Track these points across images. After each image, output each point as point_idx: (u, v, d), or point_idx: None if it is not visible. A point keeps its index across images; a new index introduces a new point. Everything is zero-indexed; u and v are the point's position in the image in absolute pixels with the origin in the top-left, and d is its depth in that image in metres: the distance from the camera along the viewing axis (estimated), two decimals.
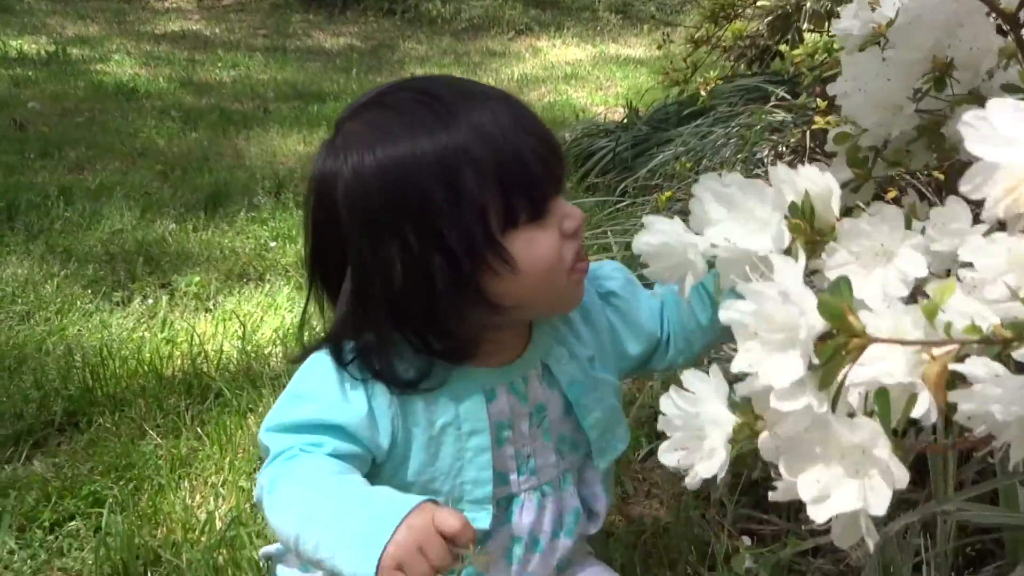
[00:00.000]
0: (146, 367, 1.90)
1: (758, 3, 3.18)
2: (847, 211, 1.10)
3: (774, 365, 0.61)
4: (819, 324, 0.60)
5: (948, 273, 0.76)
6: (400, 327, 0.96)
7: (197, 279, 2.39)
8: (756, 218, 0.76)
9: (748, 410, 0.76)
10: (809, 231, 0.80)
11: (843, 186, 1.12)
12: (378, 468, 0.99)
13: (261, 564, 1.31)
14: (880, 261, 0.76)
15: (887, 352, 0.63)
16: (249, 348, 2.00)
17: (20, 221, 2.74)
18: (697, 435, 0.73)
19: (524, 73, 5.64)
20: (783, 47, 3.12)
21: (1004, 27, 0.98)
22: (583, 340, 1.08)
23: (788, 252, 0.75)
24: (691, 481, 0.74)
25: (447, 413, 0.99)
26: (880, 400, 0.62)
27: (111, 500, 1.49)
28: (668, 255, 0.82)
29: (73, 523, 1.47)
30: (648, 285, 1.15)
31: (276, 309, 2.24)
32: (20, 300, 2.23)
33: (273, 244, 2.67)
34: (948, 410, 0.64)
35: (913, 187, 1.23)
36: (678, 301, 1.14)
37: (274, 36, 6.65)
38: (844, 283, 0.63)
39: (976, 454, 0.66)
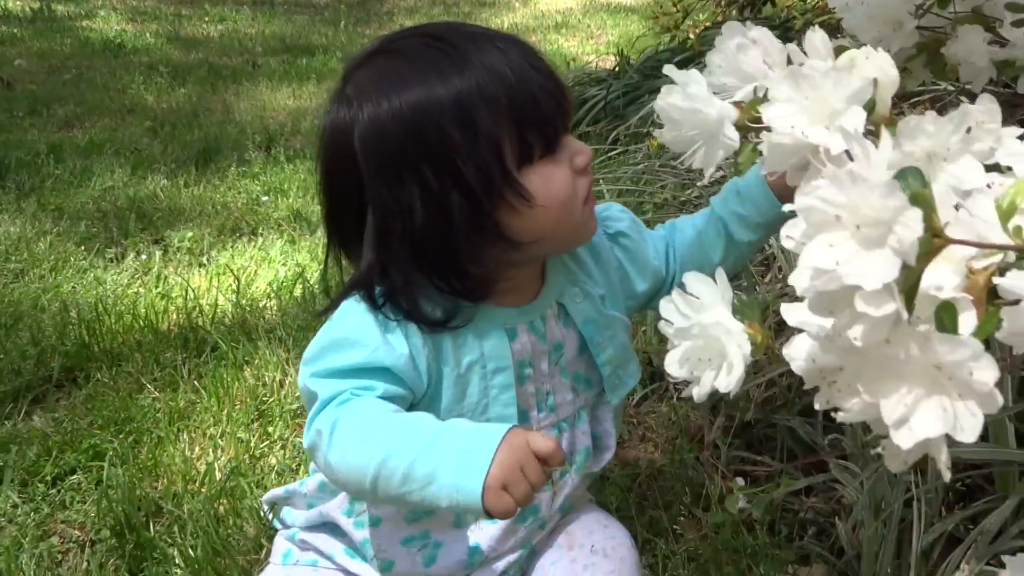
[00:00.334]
0: (142, 322, 1.90)
1: None
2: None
3: (864, 264, 0.54)
4: (920, 224, 0.52)
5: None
6: (423, 268, 0.97)
7: (190, 234, 2.39)
8: (827, 106, 0.69)
9: (757, 319, 0.73)
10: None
11: None
12: (412, 408, 1.00)
13: (263, 512, 1.32)
14: (936, 168, 0.66)
15: (937, 264, 0.56)
16: (244, 302, 2.00)
17: (11, 180, 2.73)
18: (714, 347, 0.69)
19: (514, 23, 5.59)
20: None
21: None
22: (594, 279, 1.10)
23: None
24: (700, 393, 0.70)
25: (472, 352, 1.01)
26: (947, 315, 0.56)
27: (111, 453, 1.50)
28: (696, 123, 0.76)
29: (74, 476, 1.48)
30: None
31: (269, 263, 2.24)
32: (14, 258, 2.23)
33: (265, 198, 2.66)
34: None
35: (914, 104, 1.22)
36: (686, 240, 1.16)
37: None
38: (916, 172, 0.56)
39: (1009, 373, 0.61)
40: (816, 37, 0.72)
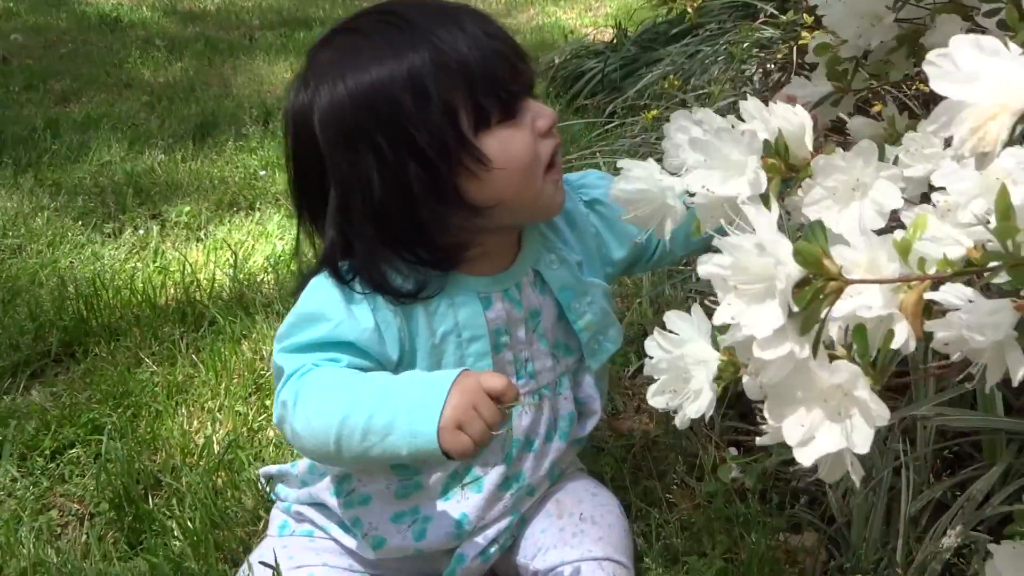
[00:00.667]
0: (139, 297, 1.91)
1: None
2: (831, 128, 1.10)
3: (755, 315, 0.62)
4: (796, 272, 0.61)
5: (923, 198, 0.77)
6: (387, 241, 0.99)
7: (187, 209, 2.39)
8: (732, 162, 0.77)
9: (731, 347, 0.78)
10: (784, 168, 0.81)
11: (822, 101, 1.12)
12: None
13: (260, 484, 1.34)
14: (856, 195, 0.78)
15: (865, 286, 0.65)
16: (241, 276, 2.01)
17: (8, 155, 2.73)
18: (683, 377, 0.75)
19: None
20: None
21: None
22: (571, 246, 1.12)
23: (765, 195, 0.76)
24: (680, 422, 0.76)
25: (447, 321, 1.03)
26: (858, 336, 0.63)
27: (110, 427, 1.51)
28: (646, 201, 0.84)
29: (73, 450, 1.49)
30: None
31: (267, 237, 2.24)
32: (11, 234, 2.23)
33: (263, 173, 2.66)
34: (925, 338, 0.66)
35: (896, 99, 1.24)
36: None
37: None
38: (818, 227, 0.64)
39: (955, 380, 0.68)
40: (750, 104, 0.81)
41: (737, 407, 1.48)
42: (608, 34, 3.87)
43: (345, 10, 5.14)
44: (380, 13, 1.02)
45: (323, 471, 1.15)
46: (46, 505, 1.38)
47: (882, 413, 0.61)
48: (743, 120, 0.82)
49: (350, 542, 1.13)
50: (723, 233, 0.65)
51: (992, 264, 0.61)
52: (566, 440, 1.14)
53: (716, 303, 0.64)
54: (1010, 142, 0.59)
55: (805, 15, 2.12)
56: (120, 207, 2.41)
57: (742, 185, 0.76)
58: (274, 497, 1.25)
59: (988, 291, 0.65)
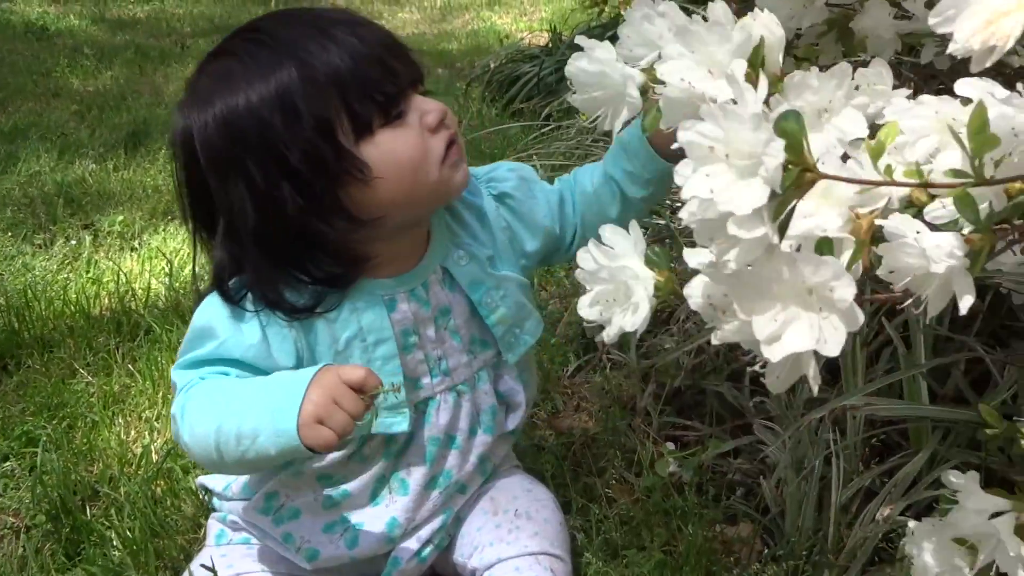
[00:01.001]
0: (73, 308, 1.89)
1: None
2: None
3: (736, 191, 0.59)
4: (782, 154, 0.57)
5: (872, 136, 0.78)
6: (276, 262, 1.00)
7: (120, 218, 2.37)
8: (715, 61, 0.73)
9: (665, 267, 0.78)
10: (755, 79, 0.79)
11: None
12: None
13: (199, 493, 1.34)
14: (822, 119, 0.73)
15: (819, 207, 0.64)
16: (177, 284, 1.99)
17: None
18: (620, 289, 0.75)
19: (446, 1, 5.58)
20: None
21: None
22: (480, 241, 1.12)
23: None
24: (611, 334, 0.75)
25: (350, 328, 1.04)
26: (825, 245, 0.62)
27: (45, 439, 1.50)
28: (602, 85, 0.81)
29: (7, 463, 1.47)
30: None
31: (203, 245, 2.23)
32: None
33: None
34: (871, 265, 0.66)
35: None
36: (585, 195, 1.18)
37: None
38: (796, 116, 0.60)
39: (898, 307, 0.67)
40: (717, 7, 0.76)
41: (674, 403, 1.51)
42: (543, 38, 3.89)
43: None
44: (249, 31, 1.03)
45: (252, 490, 1.15)
46: None
47: (859, 316, 0.60)
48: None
49: (285, 551, 1.14)
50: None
51: (953, 181, 0.60)
52: (491, 434, 1.15)
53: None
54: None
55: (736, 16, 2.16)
56: (51, 218, 2.38)
57: (722, 86, 0.70)
58: (212, 506, 1.25)
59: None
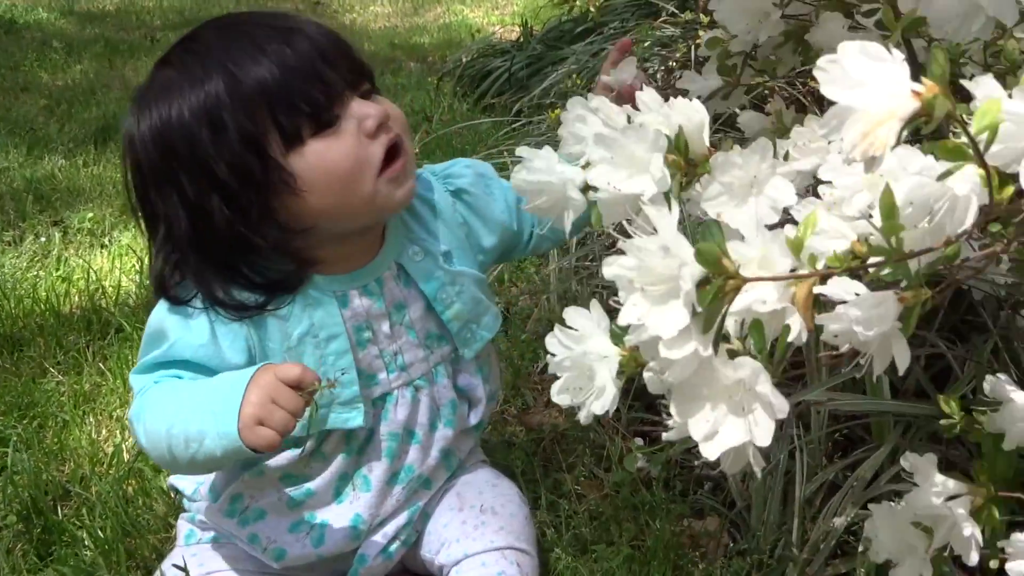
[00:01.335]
0: (43, 306, 1.88)
1: None
2: (716, 119, 1.14)
3: (660, 316, 0.63)
4: (699, 272, 0.62)
5: (809, 190, 0.81)
6: (216, 266, 1.01)
7: (90, 215, 2.36)
8: (636, 159, 0.78)
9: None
10: (684, 164, 0.84)
11: (714, 95, 1.17)
12: None
13: (171, 492, 1.34)
14: (752, 191, 0.79)
15: (759, 281, 0.68)
16: (148, 282, 1.98)
17: None
18: (587, 374, 0.77)
19: None
20: None
21: None
22: (436, 236, 1.13)
23: (667, 193, 0.77)
24: (584, 417, 0.78)
25: (302, 324, 1.05)
26: (755, 331, 0.66)
27: (15, 439, 1.49)
28: (546, 191, 0.84)
29: None
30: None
31: None
32: None
33: None
34: (815, 330, 0.69)
35: (788, 95, 1.29)
36: None
37: None
38: (715, 226, 0.66)
39: (844, 369, 0.72)
40: (646, 95, 0.81)
41: (643, 399, 1.52)
42: (515, 32, 3.90)
43: (248, 8, 5.07)
44: (189, 40, 1.04)
45: (216, 493, 1.16)
46: None
47: (782, 406, 0.64)
48: (639, 111, 0.85)
49: (254, 550, 1.14)
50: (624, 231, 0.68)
51: (876, 260, 0.64)
52: (452, 428, 1.16)
53: (620, 303, 0.66)
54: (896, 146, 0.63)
55: (702, 15, 2.18)
56: (20, 214, 2.36)
57: (647, 183, 0.77)
58: (182, 506, 1.26)
59: (873, 284, 0.69)
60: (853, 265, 0.66)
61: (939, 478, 0.84)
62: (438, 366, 1.14)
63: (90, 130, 3.01)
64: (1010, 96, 0.63)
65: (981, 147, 0.61)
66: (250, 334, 1.03)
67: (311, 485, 1.11)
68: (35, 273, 2.06)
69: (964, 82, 0.66)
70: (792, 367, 1.34)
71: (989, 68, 0.97)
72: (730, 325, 0.68)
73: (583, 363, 0.76)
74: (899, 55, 0.61)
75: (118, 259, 2.12)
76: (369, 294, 1.08)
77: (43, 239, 2.24)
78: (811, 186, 0.80)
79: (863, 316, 0.64)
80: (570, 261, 1.77)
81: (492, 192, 1.18)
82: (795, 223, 0.70)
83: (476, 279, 1.16)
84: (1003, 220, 0.75)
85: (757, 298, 0.66)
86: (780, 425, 1.23)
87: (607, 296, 0.85)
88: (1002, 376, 0.85)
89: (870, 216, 0.67)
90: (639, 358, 0.76)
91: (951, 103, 0.60)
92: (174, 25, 4.73)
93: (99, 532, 1.28)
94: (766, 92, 1.51)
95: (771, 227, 0.74)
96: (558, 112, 2.37)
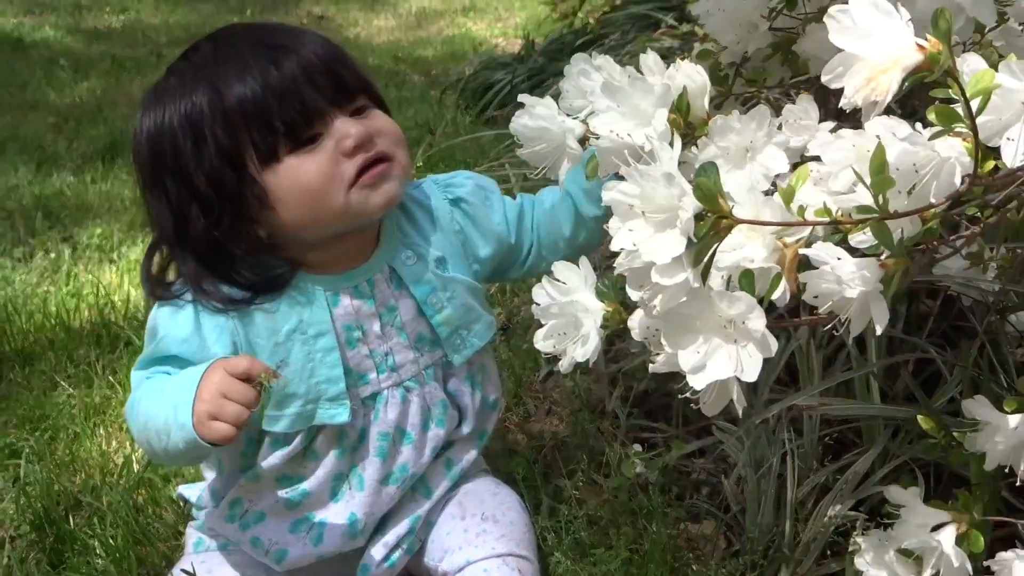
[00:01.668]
0: (53, 321, 1.92)
1: None
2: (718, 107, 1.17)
3: (656, 243, 0.66)
4: (696, 205, 0.65)
5: (796, 167, 0.84)
6: (201, 266, 1.06)
7: (99, 231, 2.39)
8: (640, 111, 0.80)
9: (615, 299, 0.84)
10: (683, 124, 0.86)
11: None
12: None
13: (180, 501, 1.37)
14: (746, 157, 0.81)
15: (748, 240, 0.70)
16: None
17: None
18: (571, 322, 0.80)
19: (422, 7, 5.60)
20: None
21: None
22: (431, 242, 1.16)
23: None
24: (565, 365, 0.81)
25: (290, 320, 1.08)
26: (745, 280, 0.68)
27: (27, 451, 1.53)
28: (545, 138, 0.87)
29: None
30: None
31: None
32: None
33: None
34: (798, 291, 0.72)
35: (771, 102, 1.32)
36: (544, 211, 1.22)
37: None
38: (712, 168, 0.67)
39: (822, 328, 0.73)
40: (649, 58, 0.84)
41: (641, 406, 1.56)
42: (517, 44, 3.93)
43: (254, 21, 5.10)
44: (189, 51, 1.10)
45: (217, 499, 1.19)
46: None
47: (772, 344, 0.67)
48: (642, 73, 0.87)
49: (257, 555, 1.18)
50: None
51: (863, 216, 0.67)
52: (443, 428, 1.18)
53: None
54: (898, 94, 0.65)
55: (696, 27, 2.21)
56: (30, 231, 2.40)
57: (649, 134, 0.79)
58: (191, 514, 1.29)
59: (853, 254, 0.71)
60: (840, 220, 0.68)
61: (923, 510, 0.86)
62: (428, 369, 1.16)
63: (98, 147, 3.03)
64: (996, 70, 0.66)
65: (975, 113, 0.63)
66: (236, 328, 1.07)
67: (306, 485, 1.14)
68: (45, 288, 2.10)
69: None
70: (787, 373, 1.37)
71: None
72: (716, 282, 0.70)
73: (568, 311, 0.78)
74: (905, 13, 0.64)
75: (127, 274, 2.16)
76: (360, 295, 1.11)
77: (53, 255, 2.28)
78: (797, 163, 0.82)
79: (846, 275, 0.67)
80: None
81: (491, 203, 1.21)
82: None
83: (469, 287, 1.18)
84: (981, 203, 0.78)
85: (745, 256, 0.68)
86: (773, 429, 1.27)
87: None
88: (979, 398, 0.87)
89: (855, 187, 0.70)
90: (623, 313, 0.79)
91: (952, 60, 0.63)
92: (180, 41, 4.76)
93: (110, 541, 1.31)
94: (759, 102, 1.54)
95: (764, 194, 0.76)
96: None
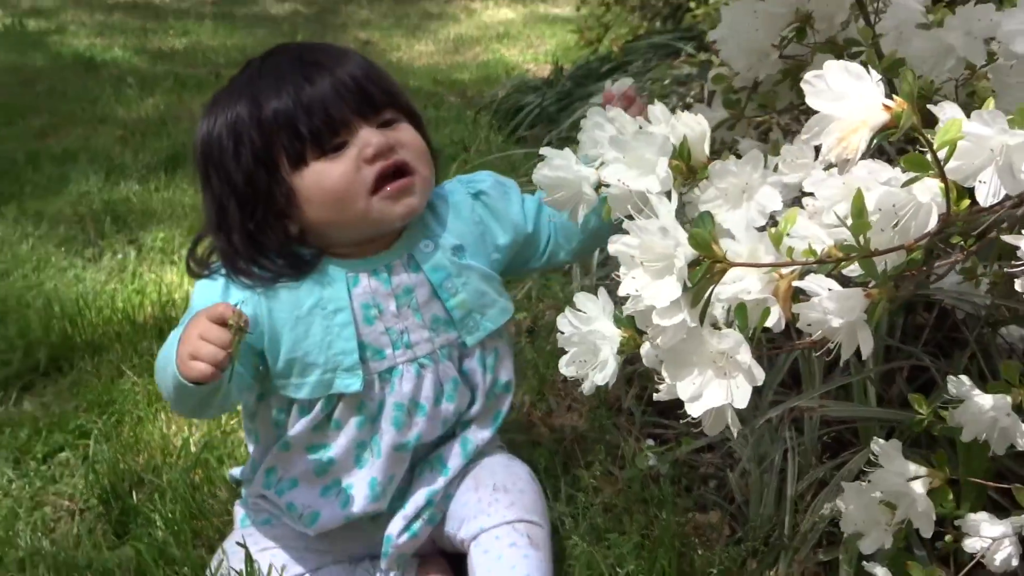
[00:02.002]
0: (120, 315, 1.96)
1: None
2: (720, 150, 1.20)
3: (655, 288, 0.68)
4: (691, 253, 0.68)
5: (795, 201, 0.86)
6: (235, 251, 1.12)
7: (162, 235, 2.44)
8: (645, 161, 0.83)
9: (631, 326, 0.86)
10: (685, 169, 0.89)
11: (719, 125, 1.21)
12: (263, 349, 1.14)
13: (232, 483, 1.41)
14: (743, 197, 0.84)
15: (745, 273, 0.73)
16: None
17: None
18: (590, 350, 0.83)
19: (459, 34, 5.64)
20: (693, 3, 3.20)
21: None
22: (451, 231, 1.19)
23: (668, 191, 0.81)
24: (587, 388, 0.83)
25: (312, 297, 1.13)
26: (739, 313, 0.70)
27: (96, 432, 1.57)
28: (563, 186, 0.89)
29: (63, 454, 1.55)
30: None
31: None
32: None
33: None
34: (792, 319, 0.75)
35: (781, 126, 1.34)
36: None
37: (223, 3, 6.52)
38: (707, 217, 0.71)
39: (814, 354, 0.76)
40: (657, 108, 0.87)
41: (655, 405, 1.57)
42: (546, 70, 3.95)
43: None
44: (244, 66, 1.17)
45: (254, 470, 1.23)
46: (40, 503, 1.44)
47: (759, 374, 0.69)
48: (649, 122, 0.90)
49: (292, 520, 1.21)
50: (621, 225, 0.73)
51: (844, 256, 0.69)
52: (455, 403, 1.20)
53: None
54: (868, 151, 0.68)
55: (712, 56, 2.23)
56: (99, 234, 2.44)
57: (652, 181, 0.82)
58: (240, 493, 1.32)
59: (844, 283, 0.74)
60: (824, 259, 0.70)
61: (901, 461, 0.89)
62: (443, 348, 1.19)
63: (161, 158, 3.08)
64: (969, 117, 0.67)
65: (942, 161, 0.65)
66: (260, 303, 1.12)
67: (332, 453, 1.18)
68: (113, 286, 2.14)
69: (931, 107, 0.69)
70: (791, 376, 1.39)
71: (964, 106, 1.02)
72: (719, 312, 0.72)
73: (589, 340, 0.81)
74: (875, 75, 0.66)
75: (186, 274, 2.19)
76: (377, 276, 1.15)
77: (120, 256, 2.32)
78: (796, 197, 0.85)
79: (834, 307, 0.69)
80: (592, 279, 1.82)
81: (509, 195, 1.25)
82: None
83: (484, 274, 1.21)
84: (963, 232, 0.81)
85: (743, 288, 0.70)
86: (775, 428, 1.29)
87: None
88: (963, 377, 0.90)
89: (846, 223, 0.72)
90: (637, 339, 0.82)
91: (916, 117, 0.65)
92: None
93: (169, 515, 1.35)
94: (770, 127, 1.55)
95: (758, 230, 0.79)
96: None
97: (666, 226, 0.69)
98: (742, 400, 0.70)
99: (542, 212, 1.25)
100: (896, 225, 0.70)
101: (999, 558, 0.85)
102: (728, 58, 1.12)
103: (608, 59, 3.32)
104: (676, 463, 1.40)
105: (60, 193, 2.74)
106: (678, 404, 1.24)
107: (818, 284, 0.70)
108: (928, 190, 0.70)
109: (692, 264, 0.69)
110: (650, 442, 1.47)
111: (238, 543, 1.19)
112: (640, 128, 0.88)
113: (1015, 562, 0.84)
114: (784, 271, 0.72)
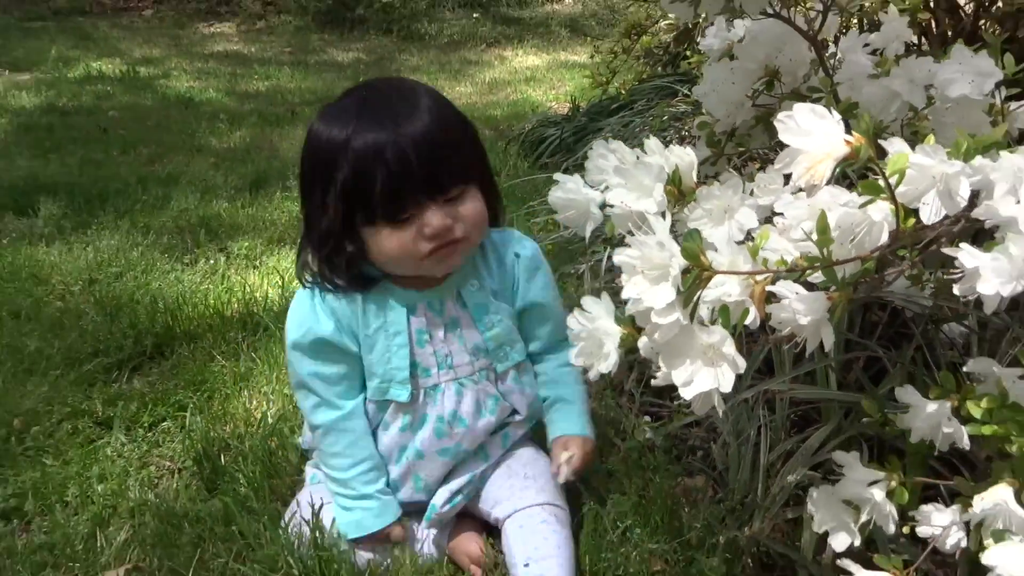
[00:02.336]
0: (211, 310, 1.98)
1: (667, 21, 3.23)
2: (705, 179, 1.20)
3: (653, 293, 0.69)
4: (683, 263, 0.69)
5: (767, 220, 0.87)
6: (318, 261, 1.11)
7: (247, 244, 2.45)
8: (643, 186, 0.84)
9: (630, 324, 0.87)
10: (677, 193, 0.90)
11: (704, 161, 1.22)
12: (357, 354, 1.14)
13: (301, 448, 1.43)
14: (725, 216, 0.86)
15: (727, 279, 0.74)
16: (287, 294, 2.08)
17: (110, 204, 2.79)
18: (596, 344, 0.84)
19: (493, 77, 5.65)
20: (688, 52, 3.19)
21: (811, 47, 1.08)
22: (493, 276, 1.19)
23: (663, 212, 0.83)
24: (593, 375, 0.84)
25: (378, 320, 1.13)
26: (722, 313, 0.71)
27: (192, 406, 1.60)
28: (573, 206, 0.90)
29: (165, 423, 1.57)
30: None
31: None
32: (114, 264, 2.30)
33: None
34: (766, 317, 0.75)
35: (756, 160, 1.33)
36: (538, 360, 1.28)
37: (298, 53, 6.57)
38: (695, 233, 0.71)
39: (784, 347, 0.76)
40: (651, 142, 0.87)
41: (652, 387, 1.56)
42: (566, 107, 3.95)
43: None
44: (355, 86, 1.14)
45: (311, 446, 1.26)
46: (146, 463, 1.47)
47: (741, 363, 0.70)
48: (646, 153, 0.91)
49: None
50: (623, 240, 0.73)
51: (809, 266, 0.70)
52: (495, 416, 1.21)
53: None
54: (832, 179, 0.69)
55: None
56: (195, 243, 2.46)
57: (650, 203, 0.84)
58: (308, 456, 1.34)
59: (809, 288, 0.74)
60: (793, 269, 0.71)
61: (862, 469, 0.88)
62: (481, 371, 1.19)
63: (247, 181, 3.09)
64: (914, 151, 0.68)
65: (893, 186, 0.66)
66: (339, 311, 1.13)
67: (381, 449, 1.20)
68: (205, 287, 2.16)
69: (882, 142, 0.70)
70: (765, 364, 1.38)
71: (909, 141, 1.02)
72: (704, 312, 0.73)
73: (595, 335, 0.82)
74: (837, 115, 0.67)
75: (266, 277, 2.22)
76: (431, 308, 1.16)
77: (212, 262, 2.34)
78: (769, 216, 0.85)
79: (802, 308, 0.69)
80: (600, 283, 1.82)
81: (535, 277, 1.23)
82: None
83: (511, 314, 1.22)
84: (910, 245, 0.81)
85: (725, 292, 0.71)
86: (751, 407, 1.29)
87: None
88: (909, 387, 0.89)
89: (811, 238, 0.73)
90: (635, 335, 0.82)
91: (873, 150, 0.66)
92: (309, 102, 4.86)
93: (250, 474, 1.37)
94: (746, 161, 1.55)
95: (738, 244, 0.80)
96: None
97: (662, 241, 0.70)
98: (727, 385, 0.71)
99: (555, 354, 1.26)
100: (854, 240, 0.71)
101: (949, 543, 0.84)
102: (710, 108, 1.12)
103: (617, 99, 3.30)
104: (669, 436, 1.40)
105: (164, 210, 2.77)
106: (672, 388, 1.25)
107: (788, 289, 0.71)
108: (880, 210, 0.70)
109: (683, 272, 0.69)
110: (647, 419, 1.47)
111: (308, 502, 1.20)
112: (639, 159, 0.89)
113: (964, 543, 0.83)
114: (759, 278, 0.73)
